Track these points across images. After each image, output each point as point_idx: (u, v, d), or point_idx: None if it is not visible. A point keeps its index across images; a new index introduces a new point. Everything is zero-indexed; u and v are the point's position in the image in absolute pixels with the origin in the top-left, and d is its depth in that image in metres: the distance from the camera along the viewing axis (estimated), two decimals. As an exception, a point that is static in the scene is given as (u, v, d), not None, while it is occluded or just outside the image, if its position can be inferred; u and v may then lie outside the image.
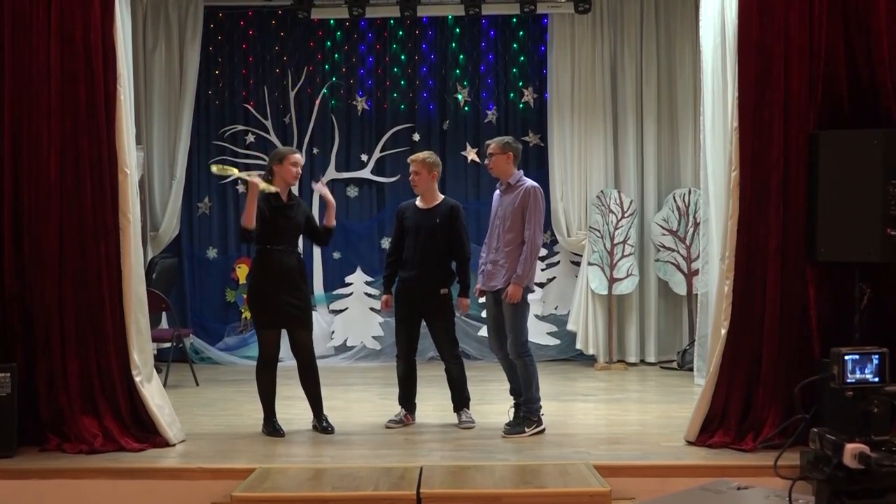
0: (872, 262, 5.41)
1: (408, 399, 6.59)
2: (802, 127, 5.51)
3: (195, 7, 9.47)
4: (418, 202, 6.58)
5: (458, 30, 9.82)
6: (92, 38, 5.62)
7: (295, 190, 6.56)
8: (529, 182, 6.24)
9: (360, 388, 7.60)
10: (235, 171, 6.22)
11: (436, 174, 6.52)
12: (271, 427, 6.21)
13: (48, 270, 5.62)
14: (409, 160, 6.67)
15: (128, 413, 5.74)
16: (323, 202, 6.64)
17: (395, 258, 6.61)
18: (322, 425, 6.28)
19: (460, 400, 6.54)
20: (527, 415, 6.16)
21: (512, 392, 6.35)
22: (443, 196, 6.62)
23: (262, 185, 6.01)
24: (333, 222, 6.35)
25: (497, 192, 6.39)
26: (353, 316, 9.75)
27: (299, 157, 6.30)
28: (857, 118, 5.55)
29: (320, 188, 6.51)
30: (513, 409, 6.30)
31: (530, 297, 6.30)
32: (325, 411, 6.33)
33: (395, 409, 6.57)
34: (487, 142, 6.44)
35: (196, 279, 9.81)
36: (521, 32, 9.78)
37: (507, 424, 6.22)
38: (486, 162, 6.39)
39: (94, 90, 5.65)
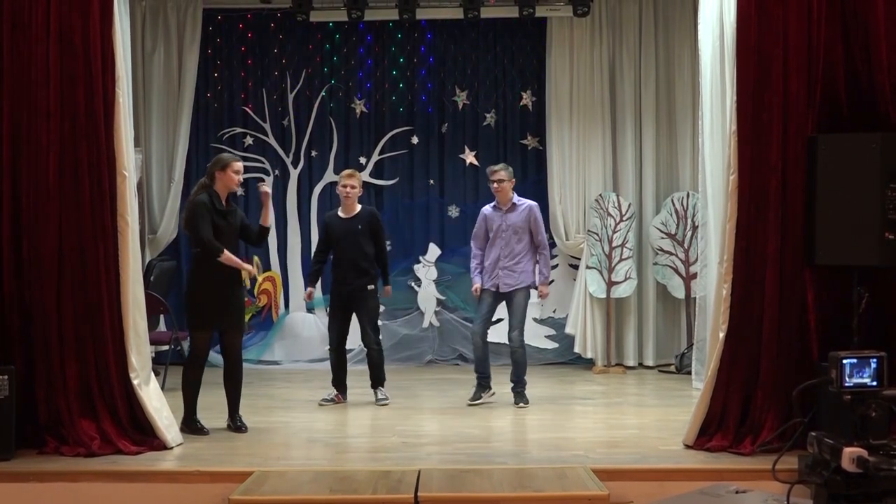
0: (871, 266, 5.41)
1: (340, 381, 7.44)
2: (801, 130, 5.51)
3: (194, 9, 9.47)
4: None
5: (456, 32, 9.83)
6: (91, 41, 5.61)
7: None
8: (530, 201, 7.48)
9: (357, 391, 7.59)
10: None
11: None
12: (193, 425, 6.27)
13: (47, 273, 5.61)
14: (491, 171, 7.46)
15: (126, 416, 5.73)
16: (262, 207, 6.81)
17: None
18: (236, 424, 6.38)
19: (378, 379, 7.44)
20: (523, 391, 7.30)
21: (513, 379, 7.38)
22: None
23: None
24: (269, 223, 6.57)
25: (490, 208, 7.43)
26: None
27: (241, 166, 6.52)
28: (856, 121, 5.55)
29: (265, 188, 6.66)
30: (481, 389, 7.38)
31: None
32: (325, 413, 6.32)
33: (395, 412, 6.62)
34: (494, 169, 7.40)
35: (194, 282, 9.79)
36: (520, 35, 9.79)
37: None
38: (496, 187, 7.32)
39: (92, 93, 5.64)
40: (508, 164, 7.59)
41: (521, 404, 7.22)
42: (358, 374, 7.78)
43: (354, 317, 7.46)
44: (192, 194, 6.48)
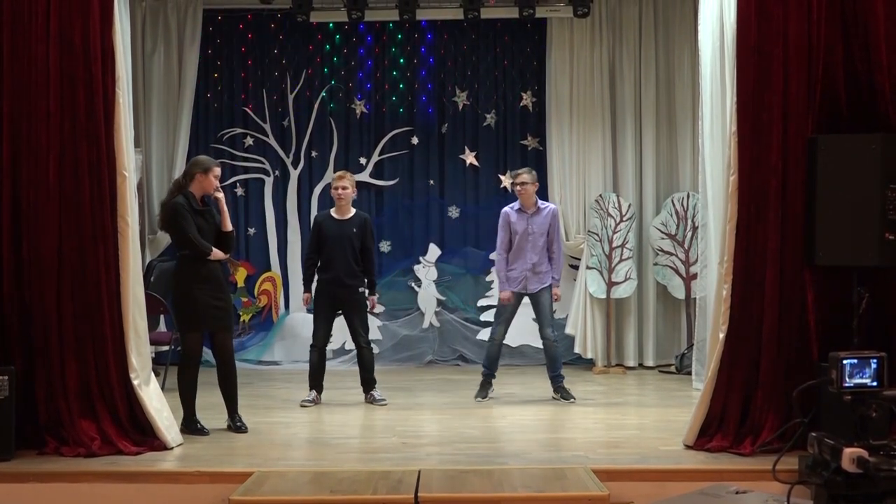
0: (871, 266, 5.41)
1: (319, 382, 7.43)
2: (801, 131, 5.51)
3: (194, 10, 9.48)
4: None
5: (456, 33, 9.83)
6: (91, 42, 5.61)
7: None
8: (552, 204, 7.88)
9: (357, 392, 7.59)
10: None
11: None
12: (193, 426, 6.27)
13: (47, 273, 5.61)
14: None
15: (126, 416, 5.73)
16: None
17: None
18: (236, 424, 6.38)
19: (371, 381, 7.45)
20: (564, 384, 7.56)
21: (551, 374, 7.64)
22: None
23: None
24: (228, 227, 6.47)
25: (514, 211, 7.55)
26: (351, 319, 9.74)
27: (220, 171, 6.53)
28: (856, 122, 5.55)
29: (217, 194, 6.52)
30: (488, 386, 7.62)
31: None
32: (325, 413, 6.33)
33: (395, 412, 6.64)
34: (518, 172, 7.64)
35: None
36: (520, 36, 9.80)
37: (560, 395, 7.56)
38: (520, 189, 7.52)
39: (92, 93, 5.64)
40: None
41: (572, 400, 7.45)
42: (357, 374, 7.78)
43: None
44: (169, 195, 6.47)
